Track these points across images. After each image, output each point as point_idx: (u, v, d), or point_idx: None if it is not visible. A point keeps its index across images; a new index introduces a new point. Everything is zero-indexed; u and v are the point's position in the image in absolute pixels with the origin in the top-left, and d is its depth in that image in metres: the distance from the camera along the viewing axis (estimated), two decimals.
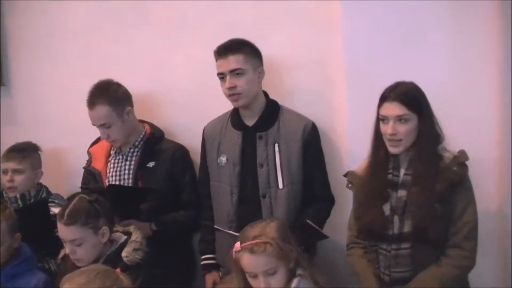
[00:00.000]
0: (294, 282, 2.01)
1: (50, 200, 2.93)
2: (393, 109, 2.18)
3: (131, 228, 2.42)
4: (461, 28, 2.51)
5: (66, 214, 2.26)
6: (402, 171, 2.24)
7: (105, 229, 2.31)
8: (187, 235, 2.85)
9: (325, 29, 2.70)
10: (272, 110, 2.59)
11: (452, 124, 2.49)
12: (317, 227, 2.25)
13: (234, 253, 2.05)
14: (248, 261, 2.01)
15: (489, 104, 2.51)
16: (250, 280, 2.03)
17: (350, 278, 2.47)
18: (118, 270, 2.02)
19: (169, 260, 2.66)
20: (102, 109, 2.69)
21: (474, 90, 2.52)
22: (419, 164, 2.19)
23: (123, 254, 2.30)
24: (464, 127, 2.50)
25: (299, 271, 2.04)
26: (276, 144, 2.51)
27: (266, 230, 2.05)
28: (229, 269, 2.16)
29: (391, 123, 2.18)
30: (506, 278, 2.54)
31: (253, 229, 2.07)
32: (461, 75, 2.53)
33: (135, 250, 2.32)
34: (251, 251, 2.00)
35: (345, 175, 2.39)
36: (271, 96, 2.64)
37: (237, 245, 2.05)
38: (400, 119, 2.17)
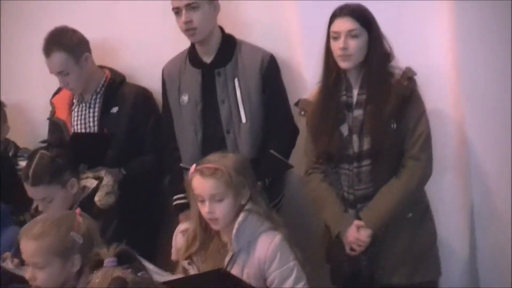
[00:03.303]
0: (241, 216, 2.07)
1: (19, 154, 2.95)
2: (344, 24, 2.23)
3: (102, 173, 2.46)
4: None
5: (30, 175, 2.28)
6: (356, 92, 2.30)
7: (72, 180, 2.34)
8: (156, 179, 2.87)
9: None
10: (228, 45, 2.59)
11: None
12: (281, 157, 2.31)
13: (190, 177, 2.11)
14: (197, 183, 2.08)
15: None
16: (199, 205, 2.09)
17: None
18: (77, 211, 2.05)
19: (141, 204, 2.71)
20: (59, 56, 2.67)
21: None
22: (371, 82, 2.26)
23: (96, 198, 2.37)
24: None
25: (248, 206, 2.09)
26: (236, 79, 2.53)
27: (222, 159, 2.12)
28: None
29: (342, 38, 2.23)
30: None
31: (211, 157, 2.14)
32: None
33: (107, 193, 2.39)
34: (201, 173, 2.07)
35: (296, 104, 2.43)
36: (228, 31, 2.64)
37: (192, 167, 2.11)
38: (351, 34, 2.22)
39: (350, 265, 2.32)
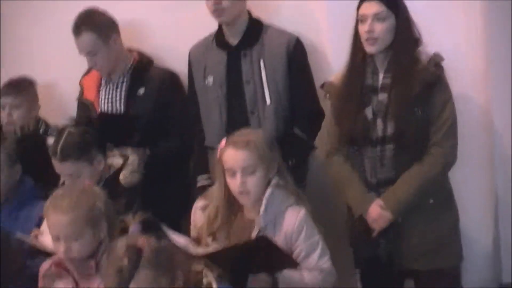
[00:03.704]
0: (268, 191, 2.08)
1: (49, 132, 3.01)
2: (371, 7, 2.22)
3: (128, 152, 2.51)
4: None
5: (58, 151, 2.32)
6: (381, 75, 2.29)
7: (99, 158, 2.38)
8: (181, 160, 2.89)
9: None
10: (255, 28, 2.61)
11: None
12: (305, 137, 2.31)
13: (219, 151, 2.12)
14: (229, 155, 2.08)
15: None
16: (228, 180, 2.09)
17: None
18: (86, 182, 2.11)
19: (165, 184, 2.74)
20: (88, 37, 2.72)
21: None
22: (397, 67, 2.25)
23: (121, 177, 2.41)
24: None
25: (274, 181, 2.10)
26: (261, 60, 2.55)
27: (253, 133, 2.16)
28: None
29: (368, 21, 2.23)
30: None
31: (241, 132, 2.17)
32: None
33: (132, 172, 2.44)
34: (234, 145, 2.08)
35: (322, 86, 2.44)
36: (255, 15, 2.65)
37: (223, 142, 2.13)
38: (377, 17, 2.22)
39: (370, 248, 2.32)
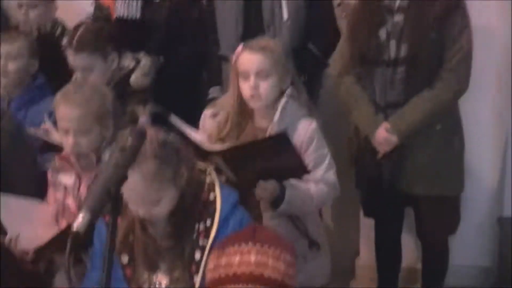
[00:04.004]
0: (283, 100, 2.07)
1: (66, 34, 3.00)
2: None
3: (141, 55, 2.51)
4: None
5: (75, 41, 2.33)
6: None
7: (114, 55, 2.39)
8: (194, 71, 2.88)
9: None
10: None
11: None
12: (318, 54, 2.30)
13: (234, 56, 2.10)
14: (245, 58, 2.06)
15: None
16: (241, 84, 2.07)
17: None
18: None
19: (177, 93, 2.72)
20: None
21: None
22: None
23: (132, 78, 2.42)
24: None
25: (289, 91, 2.08)
26: None
27: (270, 40, 2.15)
28: None
29: None
30: None
31: (258, 38, 2.16)
32: None
33: (143, 75, 2.44)
34: (250, 49, 2.06)
35: (338, 5, 2.43)
36: None
37: (239, 48, 2.11)
38: None
39: (373, 169, 2.33)
